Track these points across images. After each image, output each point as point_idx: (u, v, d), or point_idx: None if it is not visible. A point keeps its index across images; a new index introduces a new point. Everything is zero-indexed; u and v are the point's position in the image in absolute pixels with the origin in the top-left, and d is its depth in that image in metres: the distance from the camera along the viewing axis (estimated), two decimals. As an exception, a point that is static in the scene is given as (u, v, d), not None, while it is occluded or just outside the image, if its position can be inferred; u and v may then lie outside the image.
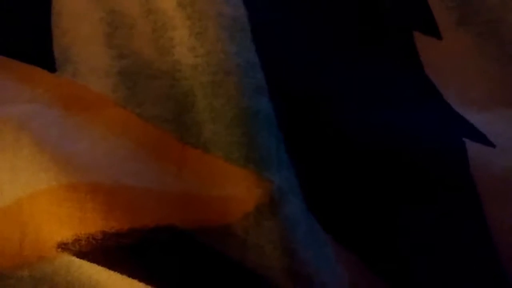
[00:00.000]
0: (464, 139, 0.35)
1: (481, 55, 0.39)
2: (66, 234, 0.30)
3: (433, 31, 0.39)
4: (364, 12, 0.39)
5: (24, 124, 0.32)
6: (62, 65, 0.35)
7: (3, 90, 0.34)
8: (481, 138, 0.35)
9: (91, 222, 0.30)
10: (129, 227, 0.30)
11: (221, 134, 0.32)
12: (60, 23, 0.36)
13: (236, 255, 0.30)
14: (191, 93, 0.33)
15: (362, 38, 0.39)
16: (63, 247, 0.30)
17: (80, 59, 0.35)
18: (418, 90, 0.38)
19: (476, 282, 0.32)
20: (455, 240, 0.32)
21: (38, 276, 0.31)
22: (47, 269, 0.31)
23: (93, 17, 0.36)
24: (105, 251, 0.30)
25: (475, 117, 0.36)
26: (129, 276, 0.30)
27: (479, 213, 0.33)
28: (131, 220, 0.30)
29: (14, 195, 0.31)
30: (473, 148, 0.34)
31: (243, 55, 0.34)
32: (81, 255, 0.30)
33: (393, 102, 0.36)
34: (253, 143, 0.31)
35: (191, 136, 0.32)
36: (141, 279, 0.30)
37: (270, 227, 0.30)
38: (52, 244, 0.30)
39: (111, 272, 0.30)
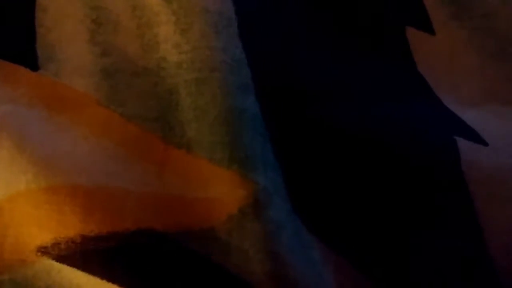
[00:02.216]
0: (455, 136, 0.34)
1: (475, 51, 0.38)
2: (45, 237, 0.30)
3: (426, 26, 0.39)
4: (355, 7, 0.39)
5: (4, 125, 0.32)
6: (45, 64, 0.34)
7: (-17, 89, 0.34)
8: (474, 136, 0.34)
9: (70, 225, 0.29)
10: (109, 230, 0.29)
11: (204, 133, 0.31)
12: (44, 20, 0.35)
13: (219, 258, 0.29)
14: (175, 91, 0.32)
15: (353, 33, 0.38)
16: (43, 250, 0.30)
17: (64, 57, 0.34)
18: (409, 87, 0.37)
19: (467, 282, 0.31)
20: (446, 239, 0.32)
21: (18, 280, 0.30)
22: (28, 273, 0.30)
23: (78, 13, 0.35)
24: (84, 254, 0.29)
25: (467, 114, 0.36)
26: (108, 280, 0.29)
27: (470, 212, 0.32)
28: (111, 223, 0.29)
29: (-6, 197, 0.31)
30: (464, 145, 0.34)
31: (229, 51, 0.33)
32: (61, 259, 0.30)
33: (384, 100, 0.36)
34: (237, 143, 0.31)
35: (174, 136, 0.31)
36: (121, 283, 0.29)
37: (254, 229, 0.29)
38: (32, 247, 0.30)
39: (91, 276, 0.29)
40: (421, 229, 0.32)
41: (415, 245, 0.31)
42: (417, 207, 0.32)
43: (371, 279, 0.31)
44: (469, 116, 0.35)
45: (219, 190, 0.30)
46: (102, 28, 0.35)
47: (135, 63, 0.34)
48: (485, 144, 0.34)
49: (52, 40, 0.35)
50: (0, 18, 0.36)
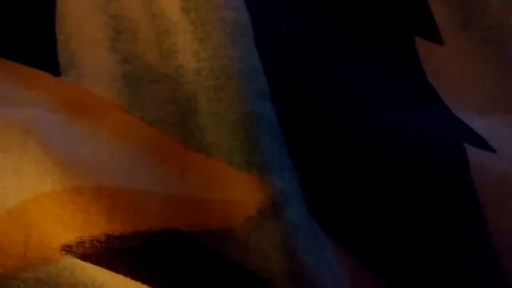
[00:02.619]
0: (464, 144, 0.35)
1: (483, 60, 0.39)
2: (70, 236, 0.30)
3: (434, 36, 0.40)
4: (366, 16, 0.40)
5: (30, 128, 0.33)
6: (67, 69, 0.35)
7: (9, 94, 0.35)
8: (482, 143, 0.35)
9: (95, 225, 0.30)
10: (133, 230, 0.30)
11: (223, 138, 0.32)
12: (64, 27, 0.36)
13: (238, 258, 0.30)
14: (194, 97, 0.33)
15: (364, 42, 0.39)
16: (67, 249, 0.31)
17: (85, 63, 0.35)
18: (419, 95, 0.38)
19: (476, 284, 0.32)
20: (456, 244, 0.33)
21: (42, 278, 0.31)
22: (51, 271, 0.31)
23: (98, 21, 0.36)
24: (109, 253, 0.30)
25: (475, 122, 0.36)
26: (132, 278, 0.30)
27: (479, 218, 0.33)
28: (135, 223, 0.30)
29: (19, 197, 0.32)
30: (473, 152, 0.35)
31: (246, 59, 0.34)
32: (85, 257, 0.30)
33: (394, 107, 0.37)
34: (255, 147, 0.32)
35: (194, 140, 0.32)
36: (144, 281, 0.30)
37: (272, 230, 0.30)
38: (56, 246, 0.31)
39: (115, 275, 0.30)
40: (433, 234, 0.32)
41: (427, 248, 0.32)
42: (427, 212, 0.33)
43: (386, 280, 0.31)
44: (477, 123, 0.36)
45: (238, 193, 0.31)
46: (122, 36, 0.36)
47: (155, 70, 0.35)
48: (493, 151, 0.35)
49: (72, 47, 0.36)
50: (21, 24, 0.37)
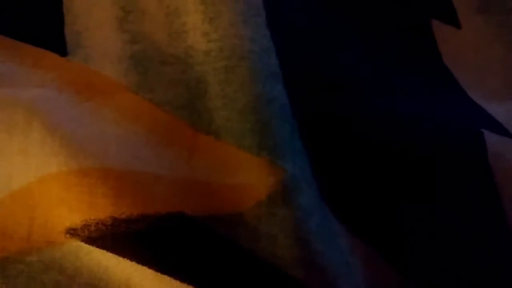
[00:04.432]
0: (482, 129, 0.34)
1: (501, 45, 0.38)
2: (75, 219, 0.30)
3: (452, 19, 0.39)
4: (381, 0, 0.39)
5: (35, 108, 0.32)
6: (74, 50, 0.35)
7: (14, 74, 0.34)
8: (500, 129, 0.35)
9: (100, 208, 0.29)
10: (139, 213, 0.29)
11: (233, 121, 0.31)
12: (72, 7, 0.36)
13: (247, 243, 0.29)
14: (203, 79, 0.33)
15: (380, 25, 0.38)
16: (72, 232, 0.30)
17: (92, 44, 0.35)
18: (435, 80, 0.37)
19: (494, 274, 0.31)
20: (473, 233, 0.32)
21: (46, 261, 0.30)
22: (56, 254, 0.30)
23: (105, 1, 0.36)
24: (114, 237, 0.29)
25: (494, 108, 0.36)
26: (138, 262, 0.29)
27: (497, 204, 0.32)
28: (142, 206, 0.29)
29: (24, 179, 0.31)
30: (491, 138, 0.34)
31: (257, 40, 0.33)
32: (90, 240, 0.30)
33: (410, 91, 0.36)
34: (266, 130, 0.31)
35: (203, 123, 0.32)
36: (150, 265, 0.29)
37: (283, 216, 0.29)
38: (61, 229, 0.30)
39: (120, 259, 0.30)
40: (449, 222, 0.32)
41: (443, 237, 0.31)
42: (445, 199, 0.32)
43: (399, 269, 0.31)
44: (495, 109, 0.35)
45: (248, 177, 0.30)
46: (130, 16, 0.35)
47: (163, 50, 0.34)
48: (511, 137, 0.34)
49: (80, 27, 0.35)
50: (29, 4, 0.36)
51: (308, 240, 0.29)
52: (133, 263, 0.29)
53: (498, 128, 0.35)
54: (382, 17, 0.38)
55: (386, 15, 0.38)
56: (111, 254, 0.30)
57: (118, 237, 0.29)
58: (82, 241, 0.30)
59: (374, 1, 0.39)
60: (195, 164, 0.31)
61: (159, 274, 0.29)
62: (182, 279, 0.29)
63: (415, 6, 0.39)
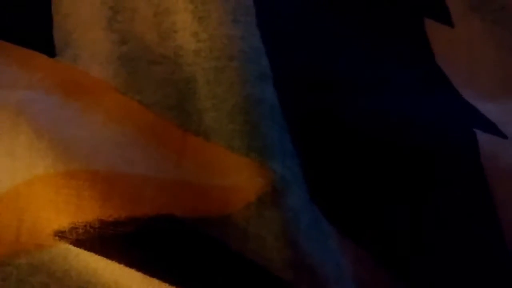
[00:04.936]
0: (475, 129, 0.34)
1: (495, 43, 0.38)
2: (63, 222, 0.30)
3: (445, 18, 0.38)
4: None
5: (23, 110, 0.32)
6: (62, 50, 0.34)
7: (1, 75, 0.34)
8: (493, 129, 0.34)
9: (88, 210, 0.29)
10: (127, 216, 0.29)
11: (222, 122, 0.31)
12: (60, 6, 0.35)
13: (236, 245, 0.29)
14: (192, 79, 0.32)
15: (372, 24, 0.38)
16: (60, 235, 0.30)
17: (81, 44, 0.34)
18: (428, 79, 0.37)
19: (486, 274, 0.31)
20: (466, 233, 0.32)
21: (35, 264, 0.30)
22: (45, 257, 0.30)
23: (95, 0, 0.35)
24: (102, 239, 0.29)
25: (486, 107, 0.35)
26: (126, 265, 0.29)
27: (489, 204, 0.32)
28: (130, 209, 0.29)
29: (11, 181, 0.31)
30: (484, 138, 0.34)
31: (247, 40, 0.33)
32: (78, 243, 0.30)
33: (402, 90, 0.35)
34: (255, 131, 0.31)
35: (192, 124, 0.31)
36: (139, 268, 0.29)
37: (272, 217, 0.29)
38: (49, 232, 0.30)
39: (109, 261, 0.29)
40: (441, 222, 0.31)
41: (436, 238, 0.31)
42: (435, 199, 0.32)
43: (390, 270, 0.30)
44: (488, 109, 0.35)
45: (237, 178, 0.30)
46: (119, 15, 0.35)
47: (153, 51, 0.34)
48: (504, 137, 0.34)
49: (68, 27, 0.35)
50: (17, 3, 0.36)
51: (297, 242, 0.29)
52: (121, 266, 0.29)
53: (490, 127, 0.34)
54: (374, 16, 0.38)
55: (378, 14, 0.38)
56: (99, 257, 0.29)
57: (106, 239, 0.29)
58: (70, 243, 0.30)
59: (366, 0, 0.39)
60: (184, 165, 0.31)
61: (147, 276, 0.29)
62: (171, 282, 0.29)
63: (408, 5, 0.39)
